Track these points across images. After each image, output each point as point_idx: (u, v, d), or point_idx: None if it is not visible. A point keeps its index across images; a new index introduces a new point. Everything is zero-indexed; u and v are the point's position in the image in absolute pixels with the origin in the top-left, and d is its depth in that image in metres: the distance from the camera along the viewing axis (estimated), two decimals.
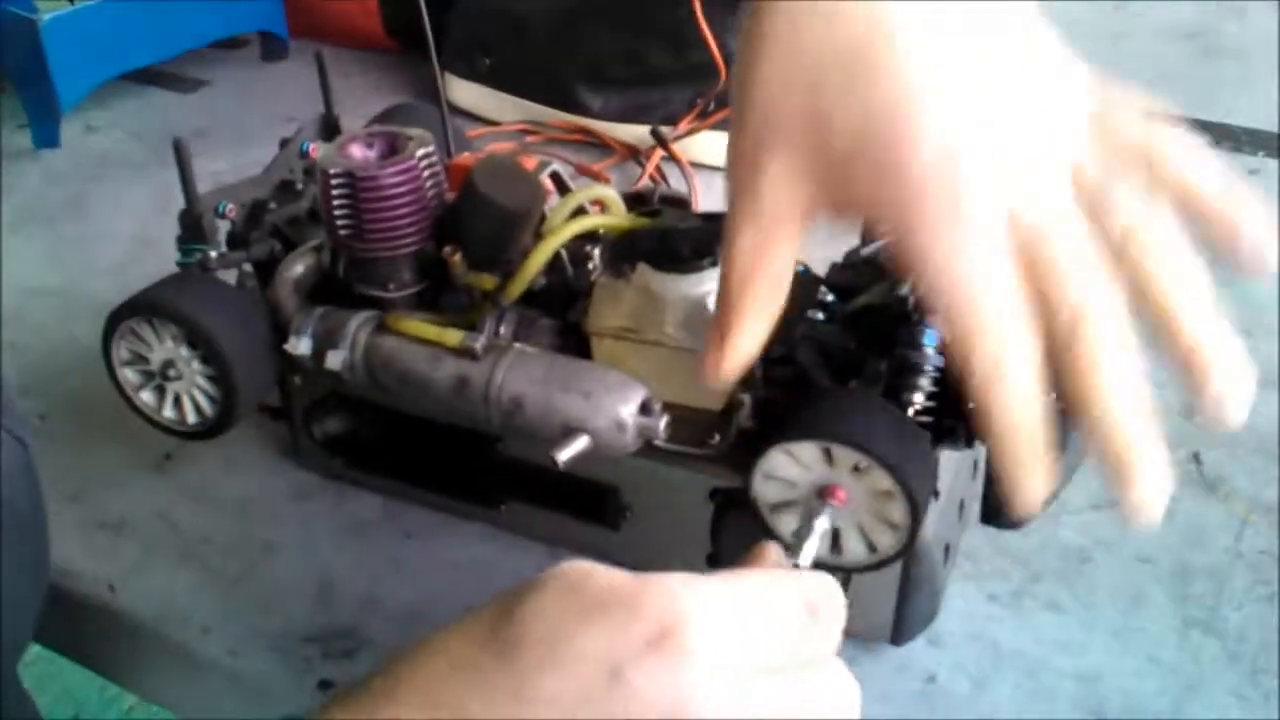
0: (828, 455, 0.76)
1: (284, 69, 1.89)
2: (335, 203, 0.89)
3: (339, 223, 0.90)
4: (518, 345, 0.87)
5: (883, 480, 0.74)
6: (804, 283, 0.94)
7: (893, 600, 0.88)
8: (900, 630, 0.89)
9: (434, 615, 0.94)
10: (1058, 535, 0.99)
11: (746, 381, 0.87)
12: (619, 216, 0.88)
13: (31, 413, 1.17)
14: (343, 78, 1.87)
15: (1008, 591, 0.95)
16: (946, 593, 0.93)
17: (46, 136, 1.64)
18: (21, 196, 1.57)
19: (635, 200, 1.04)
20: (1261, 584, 0.96)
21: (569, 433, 0.82)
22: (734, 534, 0.89)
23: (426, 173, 0.90)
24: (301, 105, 1.74)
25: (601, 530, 0.95)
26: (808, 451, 0.77)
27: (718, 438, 0.86)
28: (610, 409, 0.82)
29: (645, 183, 1.50)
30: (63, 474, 1.09)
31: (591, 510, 0.95)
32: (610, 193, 0.90)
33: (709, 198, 1.51)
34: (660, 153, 1.54)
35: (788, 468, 0.78)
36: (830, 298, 0.90)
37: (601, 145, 1.61)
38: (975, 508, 0.98)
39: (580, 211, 0.89)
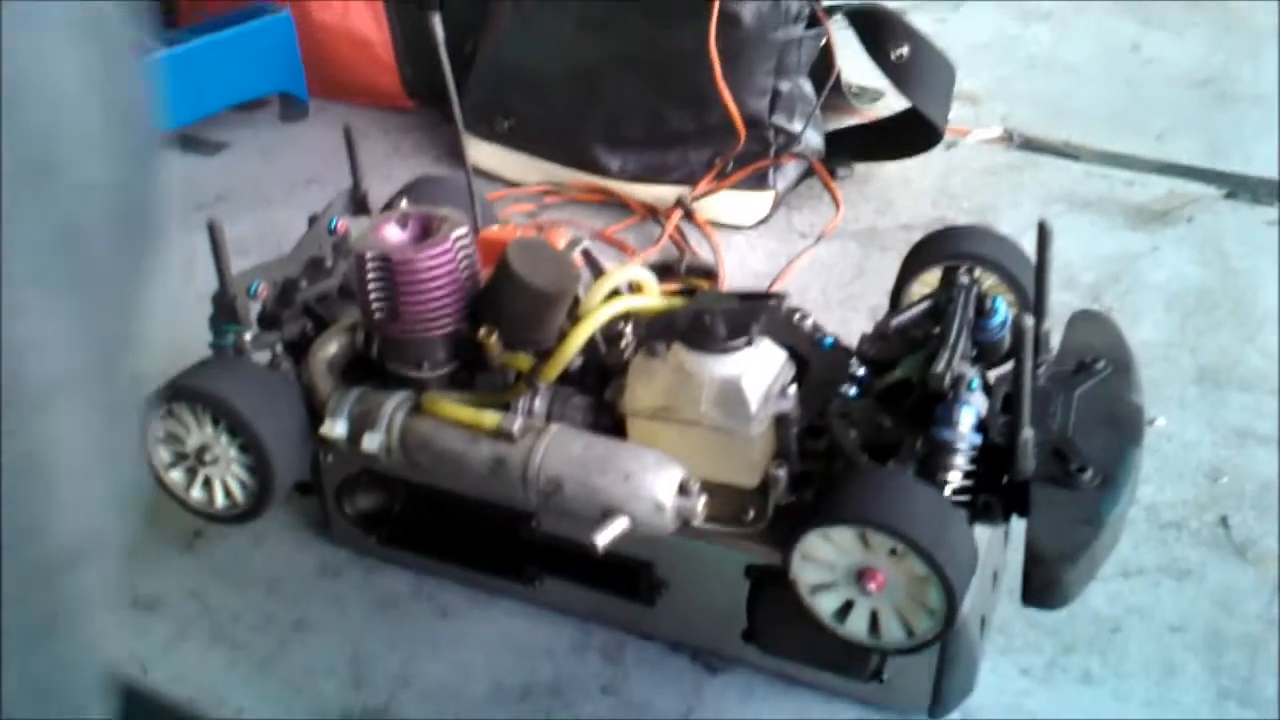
0: (864, 539, 0.77)
1: (304, 129, 1.91)
2: (370, 285, 0.90)
3: (374, 305, 0.90)
4: (554, 426, 0.87)
5: (919, 566, 0.75)
6: (834, 355, 0.95)
7: (931, 673, 0.88)
8: (938, 704, 0.89)
9: (468, 693, 0.95)
10: (1088, 604, 0.99)
11: (781, 455, 0.88)
12: (654, 297, 0.89)
13: None
14: (363, 138, 1.88)
15: (1040, 664, 0.95)
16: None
17: None
18: None
19: (662, 271, 1.05)
20: None
21: (607, 514, 0.83)
22: (770, 611, 0.89)
23: (461, 254, 0.91)
24: (321, 167, 1.76)
25: (637, 606, 0.95)
26: (844, 535, 0.77)
27: (753, 513, 0.87)
28: (649, 491, 0.82)
29: (668, 246, 1.51)
30: None
31: (627, 586, 0.95)
32: (645, 274, 0.90)
33: (727, 258, 1.52)
34: (679, 213, 1.55)
35: (824, 550, 0.78)
36: (861, 371, 0.91)
37: (621, 205, 1.62)
38: (1005, 577, 0.98)
39: (615, 293, 0.89)
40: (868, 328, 0.97)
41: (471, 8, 1.66)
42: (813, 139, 1.61)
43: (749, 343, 0.85)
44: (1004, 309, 0.91)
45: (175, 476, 0.96)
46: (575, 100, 1.61)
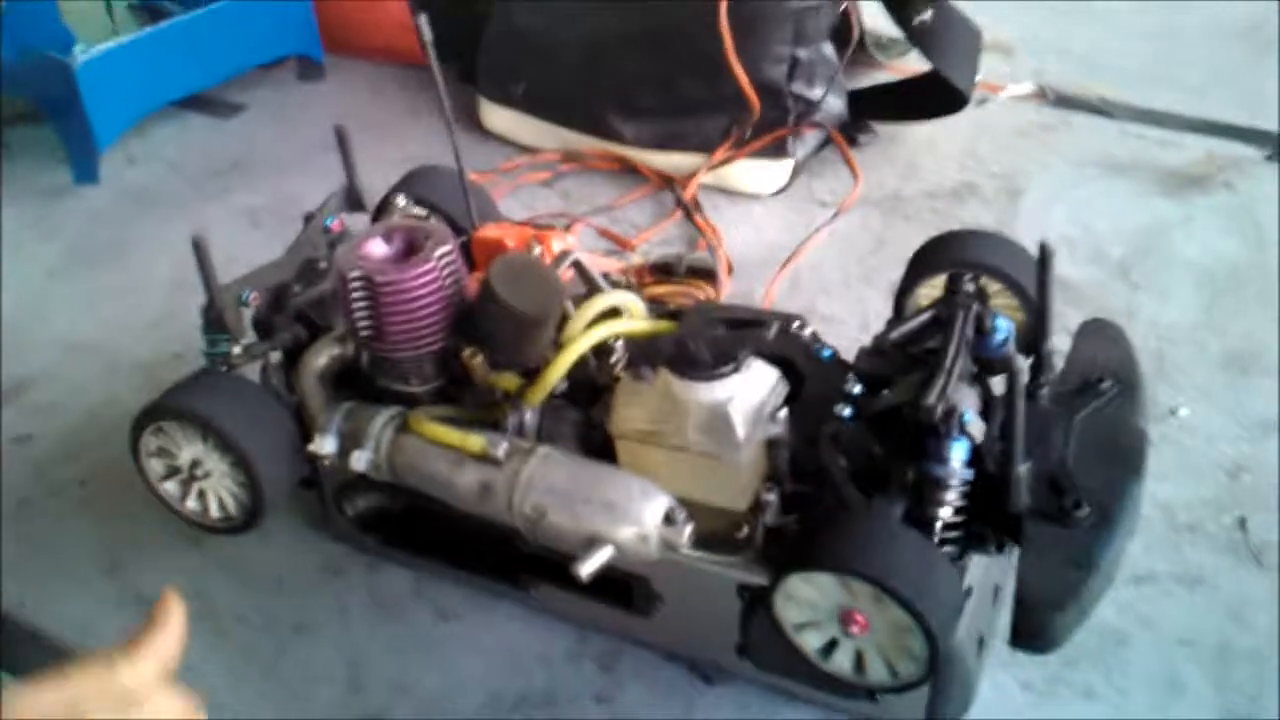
0: (846, 585, 0.75)
1: (321, 88, 1.88)
2: (355, 305, 0.88)
3: (359, 323, 0.89)
4: (541, 449, 0.86)
5: (901, 615, 0.73)
6: (831, 370, 0.93)
7: (924, 695, 0.86)
8: None
9: (463, 701, 0.95)
10: (1096, 613, 0.96)
11: (773, 478, 0.87)
12: (640, 322, 0.87)
13: (73, 479, 1.18)
14: (380, 96, 1.87)
15: (1042, 678, 0.94)
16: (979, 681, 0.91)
17: (86, 173, 1.64)
18: (62, 239, 1.57)
19: (662, 270, 1.03)
20: None
21: (593, 543, 0.82)
22: (763, 628, 0.88)
23: (446, 272, 0.89)
24: None
25: (634, 617, 0.95)
26: (825, 580, 0.76)
27: (745, 533, 0.86)
28: (634, 521, 0.81)
29: (670, 242, 1.48)
30: (101, 546, 1.10)
31: (623, 597, 0.94)
32: (631, 298, 0.88)
33: (744, 229, 1.49)
34: (691, 192, 1.52)
35: (807, 592, 0.77)
36: (857, 388, 0.88)
37: (637, 173, 1.59)
38: (1010, 588, 0.96)
39: (612, 314, 0.87)
40: (886, 305, 0.94)
41: None
42: (834, 105, 1.57)
43: (736, 369, 0.83)
44: (1004, 327, 0.88)
45: (170, 488, 0.96)
46: (587, 68, 1.57)
